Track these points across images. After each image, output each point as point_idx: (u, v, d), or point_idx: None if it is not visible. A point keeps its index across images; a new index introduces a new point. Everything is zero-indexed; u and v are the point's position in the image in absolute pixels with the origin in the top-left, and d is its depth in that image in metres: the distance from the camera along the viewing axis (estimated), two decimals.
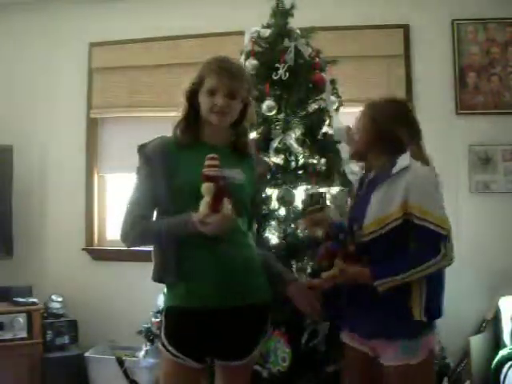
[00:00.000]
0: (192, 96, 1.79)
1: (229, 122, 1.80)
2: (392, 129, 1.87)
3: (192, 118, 1.80)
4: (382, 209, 1.79)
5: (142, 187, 1.78)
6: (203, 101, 1.76)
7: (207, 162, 1.61)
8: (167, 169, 1.73)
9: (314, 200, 1.98)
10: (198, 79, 1.78)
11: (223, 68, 1.74)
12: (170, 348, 1.72)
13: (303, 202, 2.10)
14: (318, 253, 1.94)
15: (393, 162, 1.82)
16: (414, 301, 1.75)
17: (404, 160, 1.80)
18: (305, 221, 2.12)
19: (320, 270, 1.91)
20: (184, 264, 1.73)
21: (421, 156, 1.85)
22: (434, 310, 1.80)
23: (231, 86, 1.73)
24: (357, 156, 2.00)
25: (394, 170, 1.80)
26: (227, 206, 1.60)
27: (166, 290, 1.83)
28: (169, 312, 1.79)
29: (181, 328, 1.73)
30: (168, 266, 1.75)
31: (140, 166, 1.79)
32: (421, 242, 1.74)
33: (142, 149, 1.80)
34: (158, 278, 1.79)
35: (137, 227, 1.75)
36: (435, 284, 1.80)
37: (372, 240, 1.80)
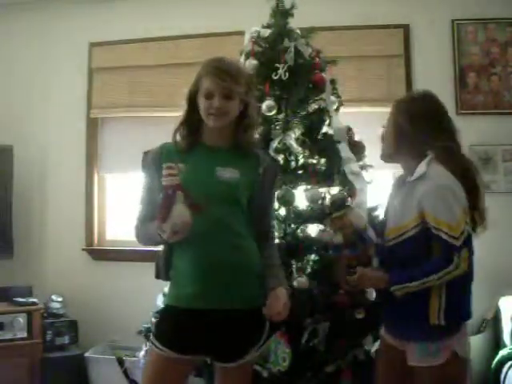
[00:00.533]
0: (192, 99, 1.80)
1: (226, 123, 1.79)
2: (413, 129, 1.82)
3: (193, 121, 1.82)
4: (400, 217, 1.82)
5: (146, 191, 1.83)
6: (201, 103, 1.77)
7: (163, 172, 1.63)
8: None
9: (335, 206, 1.98)
10: (196, 82, 1.79)
11: (218, 69, 1.75)
12: (154, 341, 1.77)
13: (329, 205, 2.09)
14: (337, 256, 1.98)
15: (413, 167, 1.81)
16: (431, 305, 1.76)
17: (421, 166, 1.78)
18: (331, 226, 2.10)
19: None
20: (174, 265, 1.78)
21: (447, 159, 1.79)
22: (455, 313, 1.78)
23: (227, 87, 1.73)
24: (386, 158, 1.96)
25: (412, 177, 1.80)
26: (180, 212, 1.60)
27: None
28: (162, 310, 1.88)
29: (167, 324, 1.79)
30: (160, 266, 1.82)
31: (143, 171, 1.85)
32: (437, 251, 1.75)
33: (144, 155, 1.85)
34: (156, 275, 1.85)
35: (142, 228, 1.82)
36: (456, 287, 1.78)
37: (393, 246, 1.84)
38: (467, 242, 1.74)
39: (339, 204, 1.96)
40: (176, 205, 1.59)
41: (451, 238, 1.70)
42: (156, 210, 1.65)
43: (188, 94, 1.81)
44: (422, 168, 1.78)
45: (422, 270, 1.75)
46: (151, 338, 1.82)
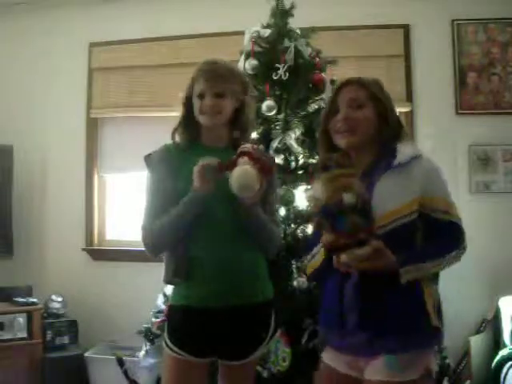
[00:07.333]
0: (188, 101, 1.84)
1: (220, 121, 1.82)
2: (396, 113, 1.72)
3: (189, 122, 1.85)
4: (392, 202, 1.55)
5: (155, 190, 1.80)
6: (195, 104, 1.81)
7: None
8: (172, 172, 1.78)
9: (345, 162, 1.60)
10: (190, 85, 1.84)
11: (208, 71, 1.79)
12: (170, 344, 1.77)
13: (324, 162, 1.65)
14: (338, 226, 1.43)
15: (389, 149, 1.62)
16: (428, 305, 1.56)
17: (410, 148, 1.62)
18: (329, 185, 1.46)
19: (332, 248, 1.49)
20: (191, 265, 1.76)
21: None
22: (441, 316, 1.62)
23: (218, 86, 1.78)
24: (358, 143, 1.66)
25: (402, 159, 1.58)
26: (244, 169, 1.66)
27: (171, 289, 1.87)
28: (172, 310, 1.84)
29: (182, 326, 1.78)
30: (179, 265, 1.76)
31: (149, 175, 1.83)
32: (445, 235, 1.60)
33: (147, 158, 1.84)
34: (173, 276, 1.78)
35: (154, 228, 1.76)
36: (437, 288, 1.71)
37: (383, 235, 1.54)
38: None
39: (347, 162, 1.60)
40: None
41: (459, 219, 1.64)
42: None
43: (184, 98, 1.85)
44: (413, 149, 1.62)
45: (434, 250, 1.57)
46: (166, 340, 1.79)
